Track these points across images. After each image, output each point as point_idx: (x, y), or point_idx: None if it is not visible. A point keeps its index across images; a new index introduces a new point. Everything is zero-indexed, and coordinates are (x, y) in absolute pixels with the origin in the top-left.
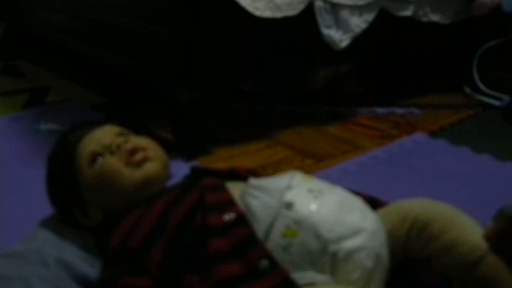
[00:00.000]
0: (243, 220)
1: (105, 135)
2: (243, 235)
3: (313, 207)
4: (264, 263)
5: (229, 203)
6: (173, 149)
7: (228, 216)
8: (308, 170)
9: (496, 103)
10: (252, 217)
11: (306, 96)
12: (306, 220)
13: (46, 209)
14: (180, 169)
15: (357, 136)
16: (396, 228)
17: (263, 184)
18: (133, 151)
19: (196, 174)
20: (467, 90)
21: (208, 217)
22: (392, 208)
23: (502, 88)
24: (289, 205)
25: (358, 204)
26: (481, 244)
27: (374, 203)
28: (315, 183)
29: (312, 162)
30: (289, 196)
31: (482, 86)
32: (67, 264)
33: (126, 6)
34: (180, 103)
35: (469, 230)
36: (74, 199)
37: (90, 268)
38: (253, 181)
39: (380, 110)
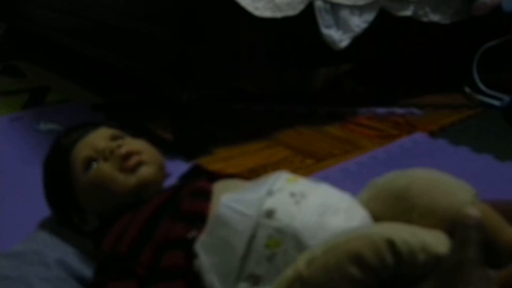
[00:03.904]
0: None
1: (99, 139)
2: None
3: (295, 212)
4: None
5: (200, 217)
6: (173, 149)
7: (191, 235)
8: (308, 170)
9: (496, 103)
10: (232, 231)
11: (306, 96)
12: (287, 227)
13: (46, 209)
14: (180, 169)
15: (357, 136)
16: (385, 211)
17: (239, 196)
18: (126, 156)
19: (193, 173)
20: (467, 90)
21: (175, 225)
22: (378, 191)
23: (502, 88)
24: (269, 213)
25: (344, 202)
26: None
27: None
28: (299, 185)
29: (312, 162)
30: (270, 203)
31: (482, 86)
32: (68, 265)
33: (126, 6)
34: (180, 103)
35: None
36: (71, 205)
37: (90, 270)
38: (228, 195)
39: (380, 110)
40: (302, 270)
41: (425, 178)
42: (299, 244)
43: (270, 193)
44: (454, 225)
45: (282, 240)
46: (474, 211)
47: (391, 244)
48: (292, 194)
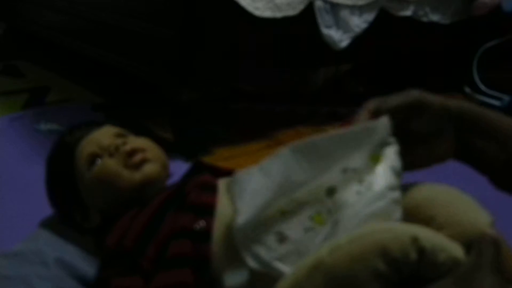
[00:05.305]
0: (208, 235)
1: (103, 136)
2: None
3: (352, 202)
4: None
5: (208, 209)
6: (173, 149)
7: (199, 225)
8: None
9: (496, 103)
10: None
11: (306, 96)
12: (338, 212)
13: (46, 209)
14: (180, 169)
15: None
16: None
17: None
18: (131, 153)
19: (197, 169)
20: (467, 90)
21: (182, 216)
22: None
23: (502, 88)
24: (330, 191)
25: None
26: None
27: None
28: (371, 174)
29: None
30: (335, 181)
31: (482, 86)
32: (68, 264)
33: (126, 6)
34: (180, 103)
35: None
36: (73, 201)
37: (90, 268)
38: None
39: None
40: (325, 257)
41: (450, 194)
42: (335, 232)
43: (344, 171)
44: (471, 242)
45: (327, 222)
46: (493, 232)
47: (415, 240)
48: (360, 181)
